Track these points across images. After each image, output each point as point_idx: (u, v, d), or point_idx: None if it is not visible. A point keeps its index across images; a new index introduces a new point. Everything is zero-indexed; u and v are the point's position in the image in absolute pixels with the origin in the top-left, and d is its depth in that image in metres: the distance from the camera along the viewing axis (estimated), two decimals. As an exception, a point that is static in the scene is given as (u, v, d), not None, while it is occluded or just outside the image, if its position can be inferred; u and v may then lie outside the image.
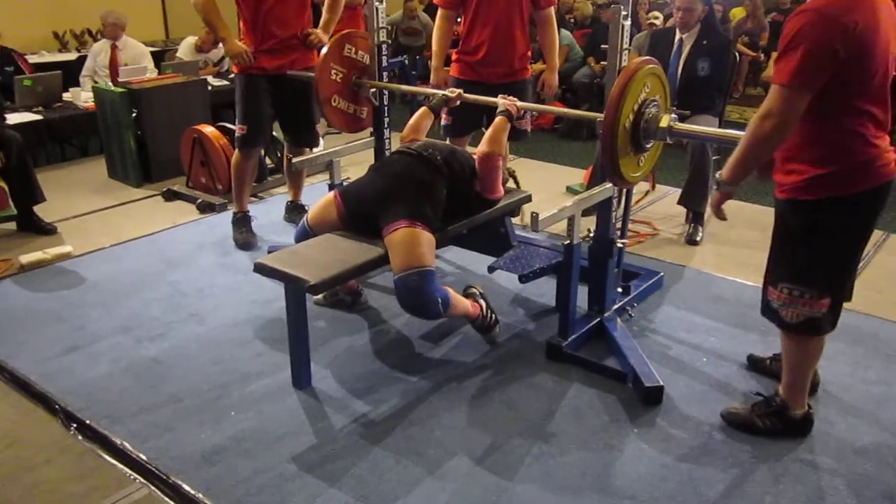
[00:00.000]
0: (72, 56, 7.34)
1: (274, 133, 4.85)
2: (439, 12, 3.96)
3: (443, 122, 3.96)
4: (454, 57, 4.01)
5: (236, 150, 4.07)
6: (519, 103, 3.16)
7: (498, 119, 3.07)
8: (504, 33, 3.79)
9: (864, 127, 2.14)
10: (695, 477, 2.35)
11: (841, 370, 2.91)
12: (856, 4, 2.04)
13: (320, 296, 3.31)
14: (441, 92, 3.45)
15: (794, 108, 2.07)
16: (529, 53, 4.01)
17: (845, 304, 2.50)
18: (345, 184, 3.44)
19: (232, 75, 5.36)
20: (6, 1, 7.22)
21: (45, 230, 4.40)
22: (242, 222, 4.19)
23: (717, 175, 2.35)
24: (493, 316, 3.08)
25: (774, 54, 6.13)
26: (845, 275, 2.32)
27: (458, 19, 4.02)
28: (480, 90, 3.58)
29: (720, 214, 2.43)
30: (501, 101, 3.14)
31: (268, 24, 3.80)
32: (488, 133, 3.01)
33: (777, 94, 2.07)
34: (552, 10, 3.98)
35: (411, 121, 3.30)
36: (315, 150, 4.24)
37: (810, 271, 2.28)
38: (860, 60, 2.05)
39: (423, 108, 3.33)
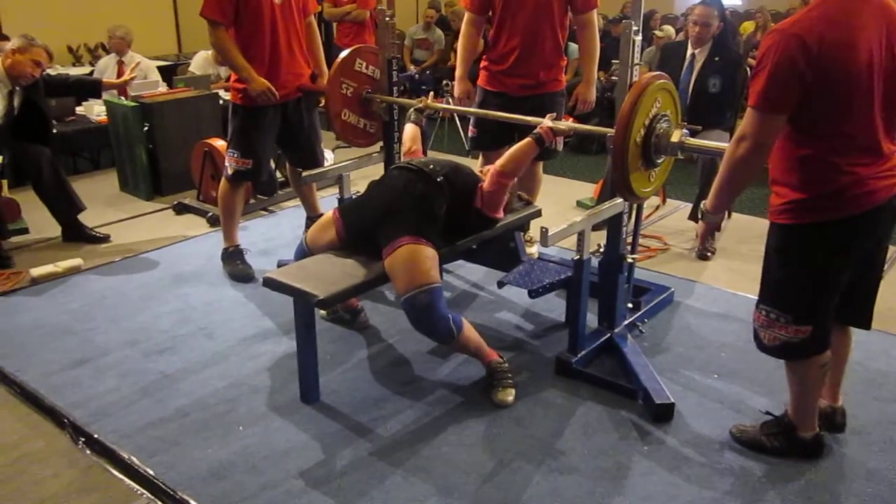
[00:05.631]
0: (85, 70, 7.39)
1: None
2: (465, 17, 3.73)
3: (469, 134, 3.90)
4: (482, 64, 3.81)
5: (226, 183, 3.84)
6: (547, 123, 2.93)
7: (526, 140, 2.88)
8: (532, 41, 3.56)
9: (841, 153, 2.06)
10: (705, 497, 2.32)
11: (853, 388, 2.87)
12: (827, 23, 1.97)
13: (324, 311, 3.31)
14: (414, 103, 3.46)
15: (766, 129, 2.03)
16: (564, 63, 3.76)
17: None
18: (353, 198, 3.44)
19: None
20: (21, 15, 7.30)
21: (97, 238, 4.45)
22: (235, 256, 3.95)
23: (701, 206, 2.33)
24: (511, 377, 2.86)
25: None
26: (820, 303, 2.24)
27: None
28: (504, 102, 3.51)
29: (708, 247, 2.40)
30: (547, 121, 2.92)
31: (280, 54, 3.65)
32: (511, 151, 2.90)
33: (748, 116, 2.05)
34: (594, 14, 3.62)
35: (404, 136, 3.37)
36: (325, 163, 4.22)
37: (785, 296, 2.25)
38: (833, 82, 1.98)
39: (408, 126, 3.40)
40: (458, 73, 3.79)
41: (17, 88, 4.16)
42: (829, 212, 2.10)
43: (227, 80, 6.64)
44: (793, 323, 2.24)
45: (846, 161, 2.06)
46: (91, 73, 6.69)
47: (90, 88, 4.91)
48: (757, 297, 2.36)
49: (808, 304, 2.23)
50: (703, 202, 2.33)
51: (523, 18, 3.55)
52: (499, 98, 3.64)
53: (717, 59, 4.28)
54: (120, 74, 6.17)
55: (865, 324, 2.43)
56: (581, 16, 3.62)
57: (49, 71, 6.99)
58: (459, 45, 3.79)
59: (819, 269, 2.19)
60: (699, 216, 2.35)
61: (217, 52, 3.62)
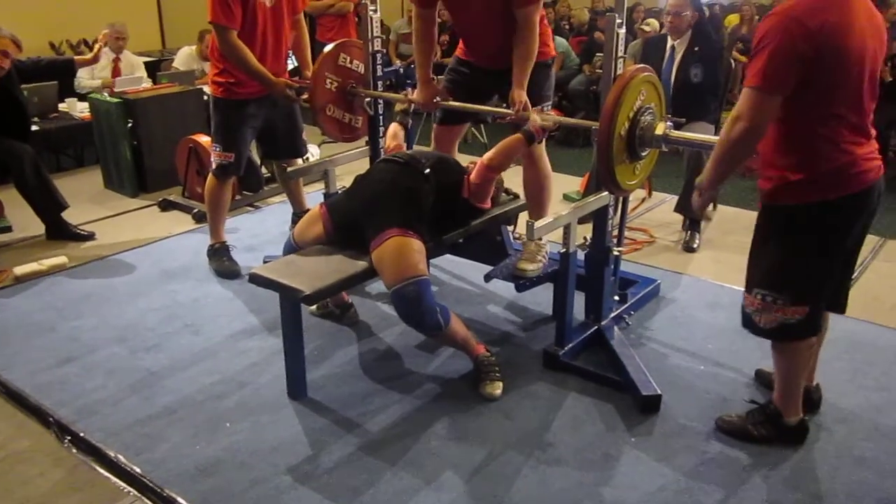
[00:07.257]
0: (71, 67, 7.34)
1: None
2: (413, 11, 3.39)
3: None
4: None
5: (213, 178, 3.84)
6: (538, 122, 2.92)
7: (516, 136, 2.91)
8: (481, 38, 3.35)
9: (837, 133, 2.12)
10: (692, 486, 2.34)
11: (839, 377, 2.90)
12: (825, 7, 2.02)
13: (314, 306, 3.30)
14: (399, 97, 3.41)
15: (763, 110, 2.06)
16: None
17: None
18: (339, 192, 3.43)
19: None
20: (1, 11, 7.22)
21: (81, 236, 4.43)
22: (222, 252, 3.94)
23: (696, 180, 2.36)
24: (498, 370, 2.87)
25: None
26: (820, 282, 2.28)
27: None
28: (480, 74, 3.42)
29: (702, 215, 2.43)
30: (537, 119, 2.92)
31: (266, 58, 3.62)
32: (500, 145, 2.91)
33: (746, 97, 2.08)
34: (532, 11, 3.07)
35: (387, 134, 3.35)
36: (309, 157, 4.20)
37: (782, 277, 2.27)
38: (830, 64, 2.04)
39: (392, 125, 3.37)
40: (419, 74, 3.37)
41: None
42: (830, 190, 2.14)
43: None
44: (790, 304, 2.26)
45: (844, 140, 2.12)
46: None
47: (64, 68, 4.78)
48: (746, 284, 2.37)
49: (806, 284, 2.26)
50: (699, 178, 2.35)
51: (469, 16, 3.31)
52: (476, 70, 3.48)
53: (696, 48, 4.28)
54: (115, 71, 6.13)
55: (842, 308, 2.47)
56: (518, 10, 3.12)
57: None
58: (414, 45, 3.43)
59: (819, 248, 2.22)
60: (696, 188, 2.37)
61: (229, 58, 3.50)
